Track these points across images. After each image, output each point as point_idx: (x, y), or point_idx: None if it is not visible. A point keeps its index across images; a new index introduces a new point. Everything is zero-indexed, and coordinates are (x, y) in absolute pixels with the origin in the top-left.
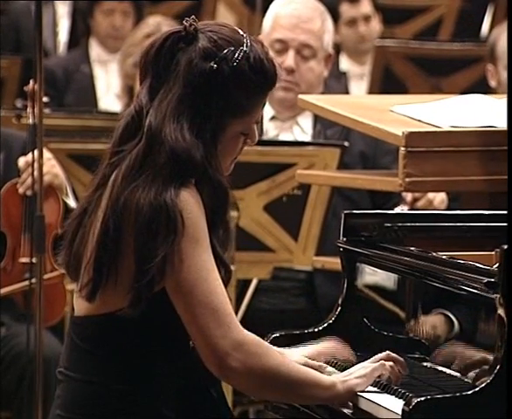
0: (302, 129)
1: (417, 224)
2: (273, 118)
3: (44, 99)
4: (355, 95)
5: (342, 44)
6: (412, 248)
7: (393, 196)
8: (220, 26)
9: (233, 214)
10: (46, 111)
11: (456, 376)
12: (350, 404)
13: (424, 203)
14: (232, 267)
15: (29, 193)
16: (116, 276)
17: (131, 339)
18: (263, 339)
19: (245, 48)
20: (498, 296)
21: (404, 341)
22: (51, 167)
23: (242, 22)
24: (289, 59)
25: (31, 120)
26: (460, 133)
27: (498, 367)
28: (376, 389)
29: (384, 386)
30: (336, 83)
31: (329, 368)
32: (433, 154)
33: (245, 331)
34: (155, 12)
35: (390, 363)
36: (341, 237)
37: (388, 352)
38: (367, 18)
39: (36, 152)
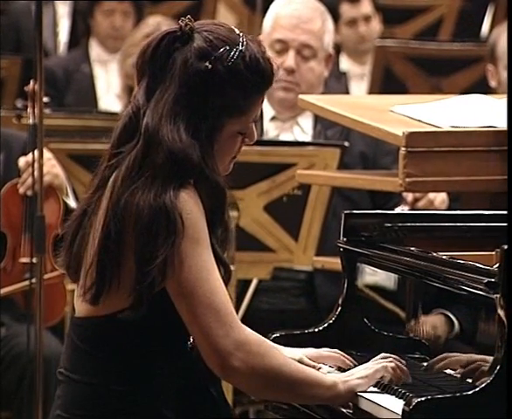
0: (303, 129)
1: (417, 224)
2: (273, 118)
3: (45, 99)
4: (355, 95)
5: (343, 44)
6: (413, 248)
7: (393, 197)
8: (216, 26)
9: (233, 214)
10: (46, 111)
11: (456, 376)
12: (351, 404)
13: (425, 204)
14: (232, 267)
15: (29, 193)
16: (119, 278)
17: (131, 339)
18: None
19: (240, 47)
20: (498, 296)
21: (405, 341)
22: (52, 167)
23: (242, 22)
24: (289, 60)
25: (31, 120)
26: (461, 133)
27: (498, 367)
28: (376, 389)
29: (384, 386)
30: (337, 83)
31: (327, 368)
32: (434, 155)
33: (247, 330)
34: (156, 12)
35: (392, 365)
36: (341, 237)
37: (390, 355)
38: (367, 18)
39: (36, 152)
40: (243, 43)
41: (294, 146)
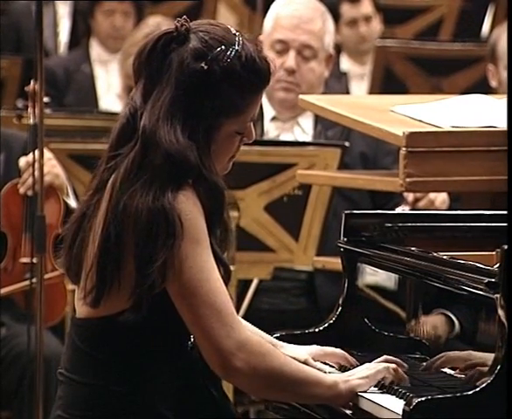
0: (303, 129)
1: (417, 224)
2: (273, 118)
3: (45, 99)
4: (355, 95)
5: (343, 44)
6: (413, 248)
7: (394, 197)
8: (212, 26)
9: (234, 214)
10: (47, 111)
11: (456, 376)
12: (351, 404)
13: (425, 204)
14: (233, 267)
15: (29, 193)
16: (119, 281)
17: (131, 341)
18: None
19: (236, 47)
20: (498, 296)
21: (405, 341)
22: (52, 167)
23: (243, 22)
24: (290, 60)
25: (31, 121)
26: (461, 133)
27: (498, 367)
28: (376, 389)
29: (384, 386)
30: (337, 83)
31: (328, 368)
32: (434, 155)
33: (248, 331)
34: (156, 12)
35: (394, 366)
36: (341, 238)
37: (392, 358)
38: (367, 19)
39: (36, 152)
40: (239, 42)
41: (295, 146)
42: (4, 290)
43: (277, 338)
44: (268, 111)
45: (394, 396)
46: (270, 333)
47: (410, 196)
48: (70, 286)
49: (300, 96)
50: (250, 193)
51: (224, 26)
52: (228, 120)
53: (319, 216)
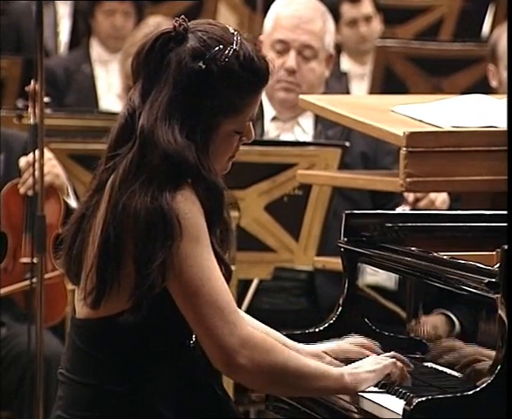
0: (303, 129)
1: (418, 224)
2: (274, 118)
3: (45, 99)
4: (356, 95)
5: (343, 44)
6: (413, 248)
7: (394, 197)
8: (210, 25)
9: (234, 214)
10: (47, 111)
11: (457, 376)
12: (351, 404)
13: (426, 204)
14: (233, 267)
15: (30, 193)
16: (119, 282)
17: (131, 341)
18: None
19: (234, 46)
20: (499, 296)
21: (405, 341)
22: (52, 167)
23: (243, 22)
24: (290, 60)
25: (32, 121)
26: (461, 133)
27: (499, 367)
28: (377, 389)
29: (384, 386)
30: (337, 83)
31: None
32: (434, 155)
33: (251, 327)
34: (156, 12)
35: (400, 364)
36: (342, 237)
37: (398, 354)
38: (368, 19)
39: (37, 152)
40: (237, 42)
41: (295, 146)
42: (4, 290)
43: None
44: (269, 111)
45: (394, 396)
46: None
47: (410, 196)
48: (70, 286)
49: (301, 96)
50: (250, 193)
51: (223, 26)
52: (227, 119)
53: (319, 216)
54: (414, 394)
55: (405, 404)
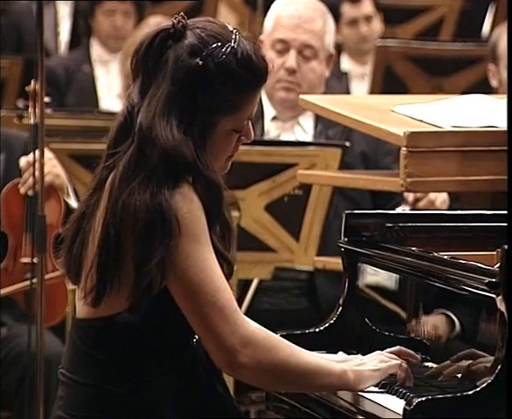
0: (304, 129)
1: (418, 224)
2: (274, 118)
3: (46, 99)
4: (356, 95)
5: (344, 44)
6: (414, 248)
7: (394, 197)
8: (209, 23)
9: (235, 214)
10: (48, 111)
11: (457, 376)
12: (351, 403)
13: (425, 204)
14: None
15: (30, 193)
16: (119, 280)
17: (132, 341)
18: None
19: (232, 44)
20: (499, 296)
21: (406, 341)
22: (53, 167)
23: (243, 22)
24: (291, 60)
25: (32, 121)
26: (462, 133)
27: (499, 367)
28: (377, 389)
29: (385, 386)
30: (338, 83)
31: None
32: (435, 155)
33: (253, 325)
34: (156, 12)
35: (405, 364)
36: (342, 237)
37: (403, 348)
38: (368, 18)
39: (37, 152)
40: (235, 39)
41: (295, 146)
42: (5, 290)
43: None
44: (269, 111)
45: (395, 396)
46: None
47: (410, 196)
48: (70, 286)
49: (301, 96)
50: (250, 193)
51: (222, 24)
52: (224, 117)
53: (319, 216)
54: (414, 394)
55: (406, 404)
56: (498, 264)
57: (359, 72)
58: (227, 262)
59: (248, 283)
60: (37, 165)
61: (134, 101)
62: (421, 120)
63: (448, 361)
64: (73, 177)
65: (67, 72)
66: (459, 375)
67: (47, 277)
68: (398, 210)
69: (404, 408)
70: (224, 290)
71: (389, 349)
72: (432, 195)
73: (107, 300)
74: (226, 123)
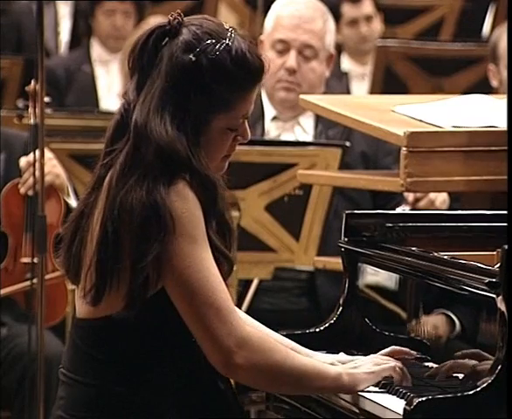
0: (304, 129)
1: (418, 224)
2: (274, 118)
3: (46, 99)
4: (356, 95)
5: (344, 44)
6: (414, 248)
7: (395, 197)
8: (205, 20)
9: (235, 214)
10: (48, 111)
11: (457, 376)
12: (352, 403)
13: (425, 204)
14: (233, 267)
15: (30, 193)
16: (118, 279)
17: (132, 341)
18: None
19: (227, 41)
20: (499, 296)
21: (406, 341)
22: (53, 167)
23: (243, 22)
24: (291, 60)
25: (32, 120)
26: (462, 133)
27: (499, 367)
28: (377, 389)
29: (385, 385)
30: (338, 83)
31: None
32: (435, 155)
33: (249, 327)
34: (156, 12)
35: (400, 365)
36: (342, 238)
37: (397, 347)
38: (368, 18)
39: (37, 152)
40: (230, 37)
41: (296, 146)
42: (5, 290)
43: None
44: (269, 111)
45: (395, 396)
46: None
47: (410, 196)
48: (70, 286)
49: (301, 96)
50: (251, 193)
51: (218, 21)
52: (218, 114)
53: (320, 216)
54: (415, 394)
55: (406, 404)
56: (498, 264)
57: (359, 72)
58: (227, 259)
59: (248, 283)
60: (37, 165)
61: (131, 99)
62: (421, 120)
63: (452, 360)
64: (73, 177)
65: (67, 72)
66: (459, 375)
67: (47, 277)
68: (398, 210)
69: (405, 408)
70: (221, 290)
71: (382, 351)
72: (432, 195)
73: (106, 300)
74: (220, 121)
